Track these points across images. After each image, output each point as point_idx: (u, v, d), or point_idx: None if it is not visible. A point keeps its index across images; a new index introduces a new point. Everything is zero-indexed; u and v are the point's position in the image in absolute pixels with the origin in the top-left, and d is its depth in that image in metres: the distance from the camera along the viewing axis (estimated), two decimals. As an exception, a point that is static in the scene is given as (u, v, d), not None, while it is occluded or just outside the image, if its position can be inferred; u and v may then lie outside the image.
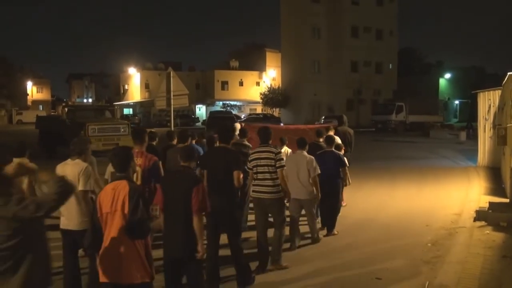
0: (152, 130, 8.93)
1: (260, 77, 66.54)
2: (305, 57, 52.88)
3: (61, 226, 5.36)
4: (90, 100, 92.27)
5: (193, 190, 4.50)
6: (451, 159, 19.71)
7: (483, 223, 8.56)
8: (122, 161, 4.06)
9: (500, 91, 14.57)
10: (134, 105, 68.94)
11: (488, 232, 8.07)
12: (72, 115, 21.36)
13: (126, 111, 68.18)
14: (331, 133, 9.61)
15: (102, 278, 3.93)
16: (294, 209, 7.40)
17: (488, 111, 16.00)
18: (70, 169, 5.20)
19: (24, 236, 3.21)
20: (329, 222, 8.29)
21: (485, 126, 16.38)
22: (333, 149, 8.40)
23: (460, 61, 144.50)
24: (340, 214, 8.55)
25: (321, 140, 9.08)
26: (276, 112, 56.77)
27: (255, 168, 6.40)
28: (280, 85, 57.98)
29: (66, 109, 23.19)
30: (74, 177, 5.04)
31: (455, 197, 11.57)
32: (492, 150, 15.78)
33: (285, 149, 8.87)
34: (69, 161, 5.35)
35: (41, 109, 75.61)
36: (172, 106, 13.18)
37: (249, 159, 6.54)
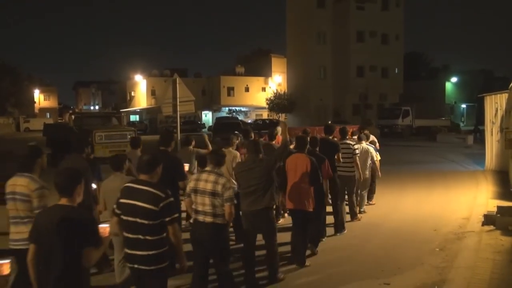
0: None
1: (266, 82, 66.60)
2: (310, 62, 52.91)
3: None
4: (97, 107, 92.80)
5: (321, 165, 7.08)
6: (458, 163, 19.61)
7: (491, 227, 8.50)
8: (302, 144, 7.06)
9: (507, 95, 14.51)
10: (140, 112, 69.15)
11: (496, 236, 8.01)
12: (79, 122, 21.46)
13: (133, 118, 68.38)
14: (367, 131, 11.36)
15: (289, 205, 6.85)
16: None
17: (495, 114, 15.93)
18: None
19: (268, 176, 5.96)
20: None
21: (492, 129, 16.30)
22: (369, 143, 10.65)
23: (468, 65, 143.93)
24: (348, 218, 9.42)
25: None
26: (282, 117, 56.78)
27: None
28: (286, 91, 58.01)
29: (73, 116, 23.30)
30: (228, 160, 7.28)
31: (463, 202, 11.50)
32: (500, 153, 15.69)
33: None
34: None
35: (48, 116, 75.95)
36: (178, 113, 13.22)
37: None
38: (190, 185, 5.34)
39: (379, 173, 10.87)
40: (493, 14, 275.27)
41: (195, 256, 5.30)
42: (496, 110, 15.85)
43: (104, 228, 3.84)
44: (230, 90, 65.97)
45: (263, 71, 66.76)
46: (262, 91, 65.71)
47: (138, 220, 4.17)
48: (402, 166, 18.27)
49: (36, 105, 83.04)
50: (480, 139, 26.92)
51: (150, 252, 4.17)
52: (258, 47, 73.78)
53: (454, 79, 61.24)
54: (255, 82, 66.99)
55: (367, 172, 10.10)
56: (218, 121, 38.47)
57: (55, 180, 3.69)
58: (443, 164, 19.78)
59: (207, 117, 65.69)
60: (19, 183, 4.67)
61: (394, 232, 8.83)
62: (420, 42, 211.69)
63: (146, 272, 4.21)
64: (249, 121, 55.44)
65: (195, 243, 5.29)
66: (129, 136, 19.42)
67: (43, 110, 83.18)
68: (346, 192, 9.33)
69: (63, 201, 3.62)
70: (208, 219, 5.15)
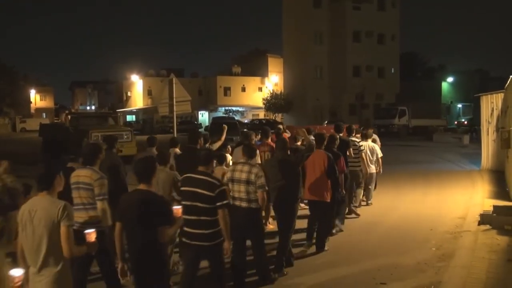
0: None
1: (263, 82, 66.57)
2: (307, 62, 52.91)
3: None
4: (93, 107, 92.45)
5: (337, 161, 7.74)
6: (455, 163, 19.66)
7: (487, 226, 8.53)
8: (320, 141, 7.66)
9: (503, 94, 14.55)
10: (137, 112, 69.05)
11: (492, 235, 8.04)
12: (75, 122, 21.40)
13: (129, 118, 68.26)
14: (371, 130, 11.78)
15: (309, 197, 7.55)
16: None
17: (491, 114, 15.97)
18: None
19: (294, 172, 6.67)
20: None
21: (488, 129, 16.34)
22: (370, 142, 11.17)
23: (464, 65, 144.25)
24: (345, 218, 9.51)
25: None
26: (278, 117, 56.78)
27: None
28: (283, 91, 58.00)
29: (69, 116, 23.23)
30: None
31: (459, 201, 11.53)
32: (496, 153, 15.74)
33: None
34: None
35: (44, 116, 75.52)
36: (174, 113, 13.20)
37: None
38: (227, 175, 6.08)
39: (381, 169, 11.24)
40: (489, 15, 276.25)
41: (233, 236, 5.89)
42: (492, 110, 15.89)
43: (178, 209, 4.53)
44: (227, 90, 65.91)
45: (260, 71, 66.73)
46: (258, 91, 65.68)
47: (198, 204, 4.94)
48: (399, 166, 18.29)
49: (32, 105, 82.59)
50: (476, 139, 26.98)
51: (208, 231, 4.96)
52: (255, 47, 73.81)
53: (450, 79, 61.32)
54: (252, 82, 66.96)
55: (373, 167, 10.78)
56: (215, 121, 38.31)
57: (134, 168, 4.44)
58: (439, 163, 19.82)
59: (204, 117, 65.61)
60: (82, 174, 5.42)
61: (390, 232, 8.85)
62: (416, 42, 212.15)
63: (205, 248, 5.01)
64: (246, 121, 55.39)
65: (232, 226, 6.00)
66: (125, 137, 19.43)
67: (39, 110, 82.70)
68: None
69: (142, 186, 4.32)
70: (244, 204, 5.90)
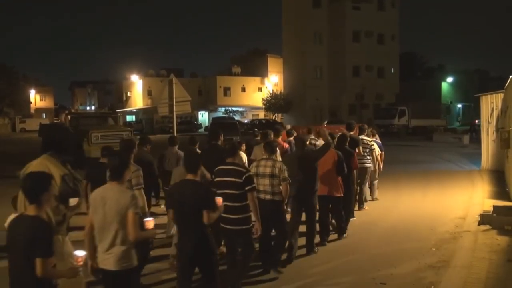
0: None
1: (262, 82, 66.57)
2: (307, 62, 52.96)
3: None
4: (93, 107, 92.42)
5: (350, 159, 8.53)
6: (454, 163, 19.65)
7: (487, 226, 8.52)
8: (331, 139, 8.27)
9: (502, 94, 14.55)
10: (136, 112, 69.01)
11: (492, 236, 8.04)
12: (75, 122, 21.36)
13: (129, 118, 68.22)
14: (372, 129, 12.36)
15: (321, 192, 7.68)
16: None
17: (491, 114, 15.97)
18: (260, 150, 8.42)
19: (311, 167, 7.14)
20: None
21: (488, 129, 16.34)
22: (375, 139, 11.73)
23: (464, 65, 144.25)
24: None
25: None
26: (278, 117, 56.78)
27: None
28: (282, 91, 58.01)
29: (69, 116, 23.20)
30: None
31: (459, 201, 11.52)
32: (496, 153, 15.74)
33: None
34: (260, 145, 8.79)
35: (44, 117, 75.37)
36: (174, 113, 13.19)
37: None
38: (252, 170, 6.42)
39: (381, 166, 11.53)
40: (489, 15, 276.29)
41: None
42: (492, 110, 15.89)
43: (219, 199, 4.97)
44: (227, 90, 65.91)
45: (260, 71, 66.73)
46: (258, 91, 65.68)
47: (227, 191, 5.54)
48: (399, 166, 18.25)
49: (32, 105, 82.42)
50: (476, 139, 26.98)
51: (238, 216, 5.55)
52: (255, 47, 73.76)
53: (450, 79, 61.37)
54: (252, 82, 66.96)
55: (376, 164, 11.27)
56: (214, 121, 38.29)
57: (184, 161, 5.26)
58: (439, 163, 19.81)
59: (203, 117, 65.60)
60: None
61: (390, 232, 8.84)
62: (415, 42, 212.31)
63: (234, 231, 5.60)
64: (246, 121, 55.41)
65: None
66: (125, 137, 19.35)
67: (39, 111, 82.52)
68: (358, 181, 10.35)
69: (189, 176, 4.83)
70: (268, 197, 6.38)
